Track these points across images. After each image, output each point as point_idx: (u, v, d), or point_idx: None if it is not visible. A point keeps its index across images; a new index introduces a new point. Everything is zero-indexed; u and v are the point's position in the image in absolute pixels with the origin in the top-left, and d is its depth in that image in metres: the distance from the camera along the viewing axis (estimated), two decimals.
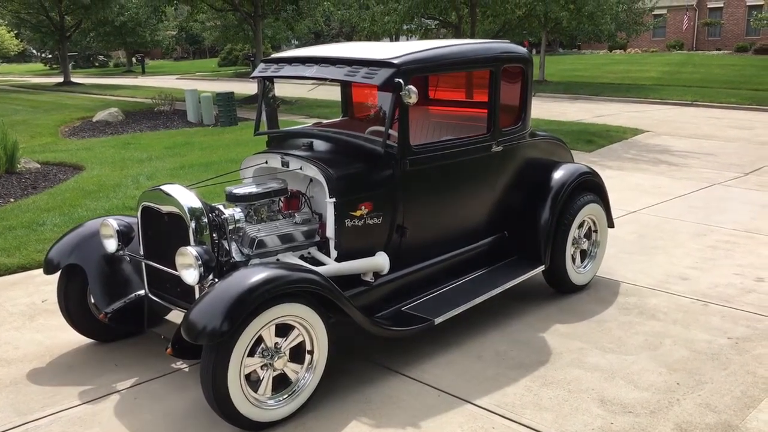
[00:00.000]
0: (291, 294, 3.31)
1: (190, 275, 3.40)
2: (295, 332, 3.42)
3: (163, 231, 3.74)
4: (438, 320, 4.01)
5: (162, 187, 3.70)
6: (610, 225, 5.38)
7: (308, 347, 3.49)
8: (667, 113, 17.05)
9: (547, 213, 4.83)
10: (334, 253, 3.98)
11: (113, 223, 3.92)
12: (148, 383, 3.83)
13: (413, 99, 3.86)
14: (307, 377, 3.49)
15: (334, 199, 3.88)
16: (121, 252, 3.94)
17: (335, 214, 3.90)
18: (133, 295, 4.02)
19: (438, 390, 3.72)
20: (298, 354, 3.46)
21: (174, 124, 14.39)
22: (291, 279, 3.33)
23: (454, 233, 4.59)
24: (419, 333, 3.96)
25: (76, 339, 4.30)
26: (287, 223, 4.01)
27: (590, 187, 5.13)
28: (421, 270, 4.37)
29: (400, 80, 3.85)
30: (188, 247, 3.40)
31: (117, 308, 3.94)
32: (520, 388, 3.73)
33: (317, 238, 4.09)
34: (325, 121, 5.15)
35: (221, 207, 3.83)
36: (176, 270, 3.57)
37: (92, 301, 4.17)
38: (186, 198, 3.62)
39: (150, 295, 3.92)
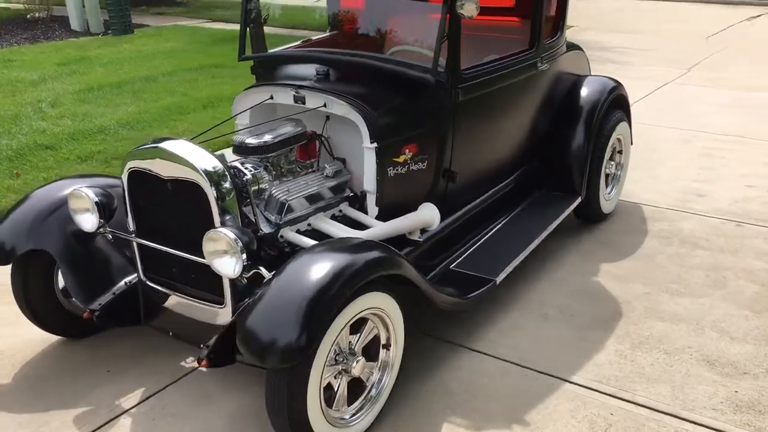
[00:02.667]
0: (371, 282, 2.55)
1: (228, 266, 2.55)
2: (368, 326, 2.68)
3: (164, 202, 2.82)
4: (499, 279, 3.38)
5: (162, 145, 2.75)
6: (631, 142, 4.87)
7: (383, 341, 2.78)
8: (584, 4, 16.66)
9: (582, 138, 4.22)
10: (374, 209, 3.21)
11: (89, 193, 2.93)
12: (161, 394, 3.00)
13: (473, 10, 3.05)
14: (383, 377, 2.79)
15: (375, 144, 3.07)
16: (101, 230, 2.99)
17: (377, 162, 3.10)
18: (122, 283, 3.09)
19: (520, 366, 3.13)
20: (368, 351, 2.74)
21: (56, 35, 12.42)
22: (372, 263, 2.56)
23: (496, 170, 3.92)
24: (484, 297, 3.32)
25: (38, 337, 3.36)
26: (316, 178, 3.18)
27: (620, 103, 4.55)
28: (463, 217, 3.69)
29: None
30: (221, 230, 2.53)
31: (106, 303, 3.02)
32: (610, 354, 3.21)
33: (348, 192, 3.30)
34: (314, 38, 4.19)
35: (237, 164, 2.94)
36: (190, 254, 2.73)
37: (60, 288, 3.24)
38: (199, 157, 2.70)
39: (147, 281, 3.03)
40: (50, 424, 2.83)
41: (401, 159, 3.22)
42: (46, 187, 3.26)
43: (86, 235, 3.06)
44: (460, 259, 3.55)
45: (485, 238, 3.76)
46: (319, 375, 2.43)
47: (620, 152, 4.71)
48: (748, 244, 4.29)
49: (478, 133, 3.57)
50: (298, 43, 4.08)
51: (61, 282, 3.23)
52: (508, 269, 3.46)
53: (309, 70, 3.46)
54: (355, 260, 2.52)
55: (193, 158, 2.68)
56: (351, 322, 2.52)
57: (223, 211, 2.67)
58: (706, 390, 2.95)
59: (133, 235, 2.97)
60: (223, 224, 2.66)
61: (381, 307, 2.65)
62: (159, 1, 16.24)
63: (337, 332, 2.45)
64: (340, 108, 3.13)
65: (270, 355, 2.28)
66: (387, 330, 2.76)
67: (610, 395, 2.93)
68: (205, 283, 2.83)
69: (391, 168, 3.18)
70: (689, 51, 10.54)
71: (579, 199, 4.23)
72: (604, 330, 3.40)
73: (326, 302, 2.35)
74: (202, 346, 2.89)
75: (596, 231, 4.50)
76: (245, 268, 2.53)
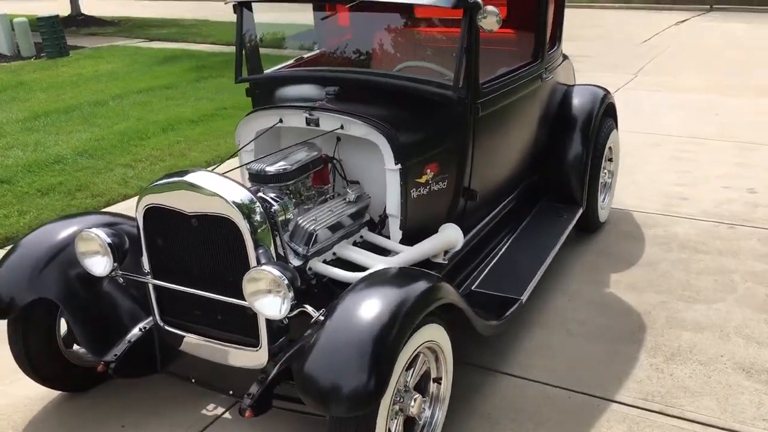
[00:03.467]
0: (429, 314, 2.40)
1: (272, 306, 2.36)
2: (420, 360, 2.53)
3: (187, 239, 2.60)
4: (524, 297, 3.29)
5: (186, 178, 2.53)
6: None
7: (434, 375, 2.63)
8: None
9: (580, 148, 4.19)
10: (397, 234, 3.07)
11: (100, 234, 2.68)
12: None
13: (494, 24, 2.95)
14: (436, 413, 2.64)
15: (399, 166, 2.93)
16: (113, 273, 2.74)
17: (401, 184, 2.97)
18: (136, 329, 2.85)
19: (561, 389, 3.04)
20: (417, 387, 2.58)
21: None
22: (427, 294, 2.41)
23: (507, 184, 3.84)
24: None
25: (37, 393, 3.07)
26: (339, 204, 3.01)
27: (610, 111, 4.55)
28: (478, 235, 3.59)
29: None
30: (264, 268, 2.34)
31: (122, 353, 2.77)
32: (646, 369, 3.15)
33: (367, 217, 3.15)
34: (306, 55, 4.02)
35: (261, 194, 2.74)
36: (219, 294, 2.53)
37: (62, 339, 2.96)
38: (228, 189, 2.50)
39: (164, 325, 2.80)
40: None
41: (423, 180, 3.10)
42: (38, 232, 2.98)
43: (92, 280, 2.81)
44: (480, 279, 3.45)
45: (498, 255, 3.67)
46: (384, 419, 2.26)
47: (610, 160, 4.71)
48: (745, 246, 4.34)
49: (494, 148, 3.48)
50: (291, 62, 3.90)
51: (62, 331, 2.96)
52: (531, 287, 3.38)
53: (316, 90, 3.30)
54: (410, 293, 2.37)
55: (222, 191, 2.48)
56: (410, 359, 2.37)
57: (256, 246, 2.48)
58: (752, 400, 2.92)
59: (149, 276, 2.73)
60: (257, 260, 2.47)
61: (435, 340, 2.51)
62: (88, 21, 15.68)
63: (399, 372, 2.30)
64: (359, 129, 2.98)
65: (338, 403, 2.10)
66: (438, 362, 2.61)
67: (659, 413, 2.86)
68: (235, 324, 2.62)
69: (414, 189, 3.05)
70: (628, 56, 10.78)
71: (581, 210, 4.20)
72: (632, 343, 3.35)
73: (391, 342, 2.19)
74: (232, 393, 2.71)
75: (594, 241, 4.48)
76: (292, 308, 2.35)
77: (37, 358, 2.90)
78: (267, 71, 3.65)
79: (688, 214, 4.85)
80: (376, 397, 2.12)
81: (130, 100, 8.44)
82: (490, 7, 2.93)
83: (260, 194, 2.72)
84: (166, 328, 2.79)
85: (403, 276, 2.51)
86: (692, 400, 2.93)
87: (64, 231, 2.90)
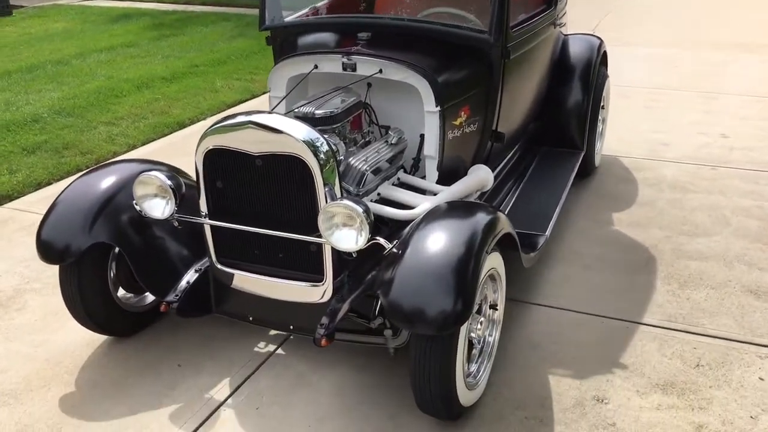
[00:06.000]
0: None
1: (349, 239, 2.45)
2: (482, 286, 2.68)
3: (251, 180, 2.66)
4: (548, 232, 3.48)
5: (253, 118, 2.57)
6: None
7: (490, 301, 2.79)
8: None
9: (581, 95, 4.39)
10: (434, 174, 3.19)
11: (161, 177, 2.70)
12: (250, 383, 2.85)
13: None
14: (493, 334, 2.81)
15: (439, 108, 3.04)
16: (171, 217, 2.77)
17: (440, 126, 3.08)
18: (192, 270, 2.90)
19: (591, 315, 3.25)
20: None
21: None
22: (494, 223, 2.56)
23: (522, 128, 4.00)
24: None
25: (81, 339, 3.10)
26: (384, 146, 3.11)
27: (604, 60, 4.74)
28: (498, 176, 3.75)
29: None
30: (342, 202, 2.42)
31: (183, 293, 2.82)
32: (664, 294, 3.39)
33: (402, 159, 3.26)
34: (319, 4, 4.03)
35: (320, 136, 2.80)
36: (287, 232, 2.61)
37: (112, 283, 2.98)
38: (296, 128, 2.56)
39: (221, 266, 2.85)
40: (149, 426, 2.62)
41: (458, 122, 3.22)
42: (85, 178, 2.98)
43: (146, 224, 2.84)
44: None
45: (515, 196, 3.84)
46: (464, 339, 2.41)
47: (602, 107, 4.92)
48: (729, 184, 4.64)
49: (518, 92, 3.62)
50: (306, 10, 3.91)
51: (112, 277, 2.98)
52: (552, 223, 3.56)
53: (347, 36, 3.35)
54: (477, 224, 2.51)
55: (292, 130, 2.54)
56: (481, 284, 2.52)
57: (324, 183, 2.56)
58: (765, 317, 3.20)
59: (206, 218, 2.78)
60: (325, 197, 2.55)
61: (495, 267, 2.66)
62: None
63: (479, 296, 2.44)
64: (398, 73, 3.06)
65: (430, 322, 2.24)
66: (495, 288, 2.77)
67: (684, 331, 3.11)
68: (298, 261, 2.70)
69: (450, 132, 3.17)
70: (581, 14, 11.01)
71: (583, 154, 4.40)
72: (646, 274, 3.59)
73: (473, 266, 2.33)
74: (292, 328, 2.81)
75: (591, 183, 4.70)
76: (368, 240, 2.45)
77: (90, 303, 2.92)
78: (287, 19, 3.66)
79: (672, 158, 5.12)
80: (464, 317, 2.27)
81: (93, 58, 8.19)
82: None
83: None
84: (223, 268, 2.84)
85: (466, 209, 2.65)
86: (711, 319, 3.19)
87: (115, 175, 2.91)
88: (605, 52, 4.70)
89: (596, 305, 3.31)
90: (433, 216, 2.55)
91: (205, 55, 8.24)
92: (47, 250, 2.76)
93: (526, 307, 3.32)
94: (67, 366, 2.98)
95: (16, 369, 2.97)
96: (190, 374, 2.91)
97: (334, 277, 2.66)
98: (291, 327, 2.82)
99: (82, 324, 2.98)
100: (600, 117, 4.82)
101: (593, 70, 4.41)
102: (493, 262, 2.62)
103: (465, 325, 2.39)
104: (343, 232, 2.46)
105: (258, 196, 2.67)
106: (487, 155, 3.51)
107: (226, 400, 2.76)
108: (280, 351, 3.05)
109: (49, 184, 4.90)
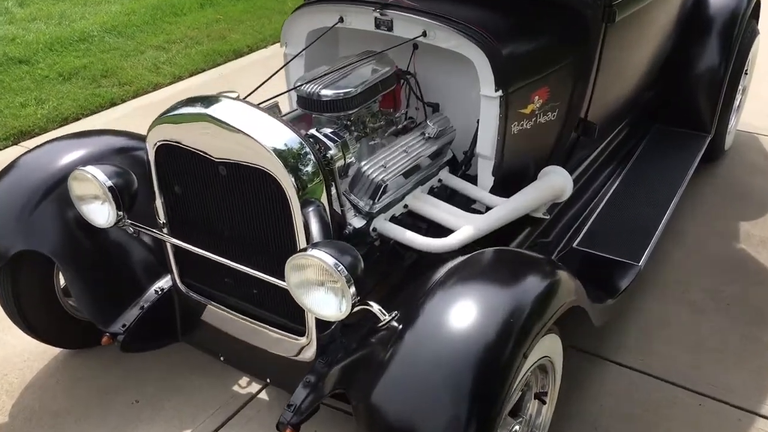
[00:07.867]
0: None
1: (328, 304, 1.68)
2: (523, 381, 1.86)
3: (213, 190, 1.92)
4: (642, 263, 2.55)
5: (210, 111, 1.79)
6: None
7: (538, 389, 1.97)
8: None
9: (718, 59, 3.29)
10: (488, 180, 2.32)
11: (98, 175, 1.99)
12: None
13: None
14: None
15: (500, 92, 2.14)
16: (120, 224, 2.08)
17: (500, 117, 2.19)
18: (152, 290, 2.23)
19: (689, 391, 2.35)
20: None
21: None
22: (551, 296, 1.70)
23: (623, 111, 3.02)
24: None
25: (34, 346, 2.53)
26: (416, 140, 2.26)
27: (756, 11, 3.57)
28: (582, 175, 2.84)
29: None
30: (313, 252, 1.62)
31: (133, 323, 2.16)
32: None
33: (449, 155, 2.40)
34: None
35: (313, 131, 2.00)
36: (255, 267, 1.88)
37: (61, 289, 2.37)
38: (266, 130, 1.76)
39: (186, 290, 2.17)
40: None
41: (529, 110, 2.31)
42: (27, 159, 2.32)
43: (95, 230, 2.16)
44: (582, 232, 2.71)
45: (605, 200, 2.91)
46: None
47: (745, 73, 3.77)
48: None
49: (622, 67, 2.66)
50: None
51: (62, 281, 2.36)
52: (649, 249, 2.63)
53: None
54: (527, 294, 1.67)
55: (258, 132, 1.75)
56: (516, 390, 1.70)
57: (305, 204, 1.77)
58: None
59: (165, 230, 2.08)
60: (306, 225, 1.77)
61: (548, 355, 1.83)
62: None
63: (507, 408, 1.64)
64: (447, 39, 2.18)
65: None
66: (546, 376, 1.95)
67: None
68: (274, 304, 1.99)
69: (516, 123, 2.27)
70: None
71: (709, 138, 3.36)
72: None
73: (501, 370, 1.52)
74: (269, 381, 2.12)
75: (715, 172, 3.65)
76: (353, 306, 1.67)
77: (30, 310, 2.33)
78: None
79: None
80: None
81: None
82: None
83: (312, 131, 1.98)
84: (191, 294, 2.16)
85: (512, 265, 1.80)
86: None
87: (62, 160, 2.24)
88: (758, 1, 3.52)
89: (696, 376, 2.41)
90: (456, 276, 1.72)
91: None
92: None
93: (598, 364, 2.46)
94: (9, 381, 2.43)
95: None
96: (146, 417, 2.29)
97: (320, 331, 1.92)
98: (268, 380, 2.14)
99: (24, 332, 2.41)
100: (740, 86, 3.70)
101: (739, 25, 3.29)
102: (546, 348, 1.79)
103: None
104: (320, 294, 1.68)
105: (224, 211, 1.94)
106: (569, 154, 2.59)
107: None
108: (263, 395, 2.37)
109: (77, 119, 4.36)
